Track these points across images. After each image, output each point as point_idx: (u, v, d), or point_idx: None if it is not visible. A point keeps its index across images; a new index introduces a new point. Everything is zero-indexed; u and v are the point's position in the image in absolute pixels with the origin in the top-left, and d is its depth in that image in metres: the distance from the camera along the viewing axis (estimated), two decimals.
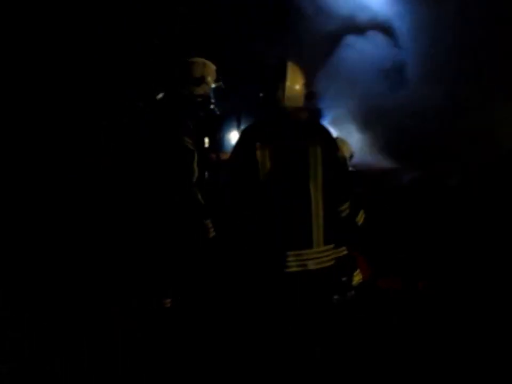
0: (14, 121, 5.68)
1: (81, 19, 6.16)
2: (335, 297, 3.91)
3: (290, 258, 3.37)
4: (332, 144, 3.52)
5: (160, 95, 4.64)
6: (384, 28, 7.03)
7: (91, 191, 5.01)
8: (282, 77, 3.48)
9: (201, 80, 4.45)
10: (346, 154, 4.79)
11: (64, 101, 5.90)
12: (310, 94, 3.75)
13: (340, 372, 3.58)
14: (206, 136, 4.65)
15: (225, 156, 5.25)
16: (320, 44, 6.86)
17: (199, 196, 4.20)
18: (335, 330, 3.61)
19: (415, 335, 4.15)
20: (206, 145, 4.62)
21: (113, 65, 6.21)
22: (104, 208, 4.78)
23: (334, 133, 4.43)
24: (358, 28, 7.02)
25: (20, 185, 5.27)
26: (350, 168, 4.86)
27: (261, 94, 3.54)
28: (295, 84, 3.51)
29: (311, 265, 3.40)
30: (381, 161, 6.61)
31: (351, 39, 7.04)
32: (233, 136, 6.14)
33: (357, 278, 4.03)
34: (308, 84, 3.65)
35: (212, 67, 4.53)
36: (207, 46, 6.26)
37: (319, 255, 3.44)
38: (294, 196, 3.40)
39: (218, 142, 5.39)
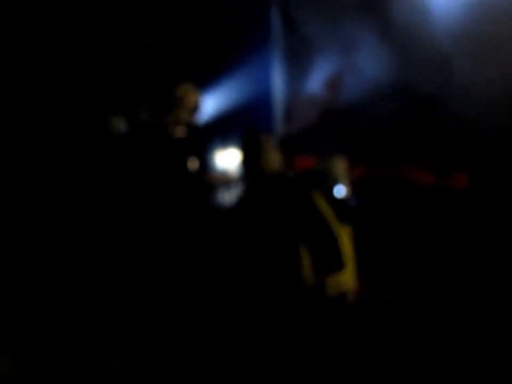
0: (13, 121, 5.79)
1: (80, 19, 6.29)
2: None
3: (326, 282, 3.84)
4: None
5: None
6: None
7: (91, 191, 5.00)
8: (258, 152, 4.09)
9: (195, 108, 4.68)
10: (341, 172, 4.85)
11: (64, 101, 6.03)
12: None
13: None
14: (196, 157, 4.83)
15: (213, 178, 5.45)
16: None
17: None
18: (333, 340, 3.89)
19: (411, 344, 4.38)
20: (197, 166, 4.82)
21: (113, 65, 6.37)
22: (103, 209, 4.81)
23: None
24: None
25: (20, 185, 5.34)
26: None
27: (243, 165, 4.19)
28: (270, 155, 4.09)
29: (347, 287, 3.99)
30: None
31: None
32: (218, 157, 6.32)
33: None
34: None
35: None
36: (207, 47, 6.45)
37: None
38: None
39: (206, 163, 5.55)
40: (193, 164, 4.76)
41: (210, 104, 6.42)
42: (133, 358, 3.85)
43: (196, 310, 4.08)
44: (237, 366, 3.72)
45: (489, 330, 4.45)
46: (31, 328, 4.05)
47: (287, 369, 3.64)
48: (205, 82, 5.73)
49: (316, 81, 6.99)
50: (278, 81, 7.25)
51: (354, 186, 4.87)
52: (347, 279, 4.18)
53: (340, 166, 4.77)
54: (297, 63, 7.11)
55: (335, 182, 4.66)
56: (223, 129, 6.51)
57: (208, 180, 5.19)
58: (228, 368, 3.74)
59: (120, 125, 5.02)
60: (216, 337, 3.91)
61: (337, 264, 3.94)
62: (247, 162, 4.12)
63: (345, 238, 4.29)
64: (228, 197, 5.13)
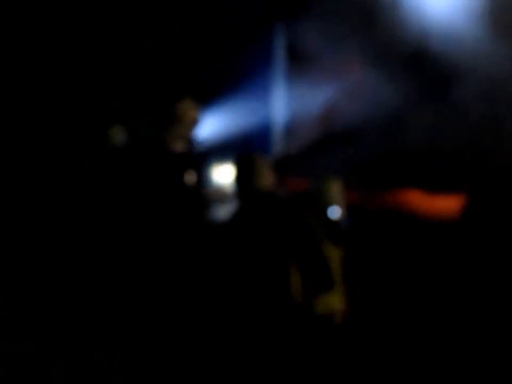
0: (13, 123, 5.86)
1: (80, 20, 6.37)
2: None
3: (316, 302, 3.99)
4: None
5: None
6: None
7: (90, 192, 5.03)
8: (251, 172, 4.18)
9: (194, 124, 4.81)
10: (335, 193, 4.90)
11: (64, 102, 6.10)
12: None
13: None
14: (193, 172, 4.96)
15: (209, 192, 5.57)
16: None
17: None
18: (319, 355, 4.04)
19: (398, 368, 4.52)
20: (195, 181, 4.94)
21: (112, 65, 6.44)
22: (103, 211, 4.83)
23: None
24: None
25: (19, 186, 5.40)
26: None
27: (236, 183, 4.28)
28: (263, 174, 4.18)
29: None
30: None
31: None
32: (215, 173, 6.41)
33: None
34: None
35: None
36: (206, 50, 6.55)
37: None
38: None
39: (202, 178, 5.64)
40: (190, 178, 4.90)
41: (209, 121, 6.55)
42: (131, 358, 3.89)
43: (192, 313, 4.15)
44: (231, 369, 3.81)
45: (478, 359, 4.53)
46: (31, 328, 4.09)
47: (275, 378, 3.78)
48: (205, 99, 5.83)
49: (317, 103, 7.08)
50: (278, 101, 7.34)
51: (349, 208, 4.92)
52: (335, 299, 4.32)
53: (334, 187, 4.84)
54: (298, 84, 7.20)
55: (329, 203, 4.77)
56: (220, 145, 6.62)
57: (204, 194, 5.31)
58: (224, 370, 3.83)
59: (120, 135, 5.14)
60: (211, 340, 3.97)
61: (326, 285, 4.08)
62: (240, 180, 4.23)
63: (335, 259, 4.44)
64: (222, 212, 5.23)
